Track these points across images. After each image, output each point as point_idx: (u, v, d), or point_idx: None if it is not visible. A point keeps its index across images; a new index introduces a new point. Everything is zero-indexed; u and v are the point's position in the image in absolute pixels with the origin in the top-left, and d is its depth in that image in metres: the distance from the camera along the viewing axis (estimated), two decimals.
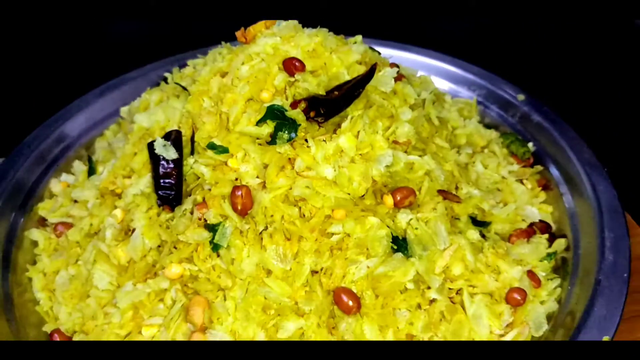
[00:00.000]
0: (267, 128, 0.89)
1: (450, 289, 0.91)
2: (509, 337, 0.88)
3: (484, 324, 0.88)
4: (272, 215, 0.87)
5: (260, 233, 0.87)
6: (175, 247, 0.90)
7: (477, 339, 0.87)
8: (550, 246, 1.02)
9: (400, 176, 0.94)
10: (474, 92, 1.31)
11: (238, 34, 0.99)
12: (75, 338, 0.90)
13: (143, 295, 0.88)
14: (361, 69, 0.98)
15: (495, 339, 0.88)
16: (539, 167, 1.15)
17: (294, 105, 0.90)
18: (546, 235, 1.03)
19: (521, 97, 1.26)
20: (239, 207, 0.87)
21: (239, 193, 0.86)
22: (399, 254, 0.88)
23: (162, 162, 0.92)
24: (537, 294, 0.93)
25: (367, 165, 0.89)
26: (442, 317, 0.88)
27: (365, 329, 0.84)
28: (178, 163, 0.92)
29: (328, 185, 0.87)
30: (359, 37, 1.05)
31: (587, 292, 0.89)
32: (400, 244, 0.89)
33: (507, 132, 1.23)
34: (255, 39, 0.98)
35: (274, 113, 0.88)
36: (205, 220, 0.88)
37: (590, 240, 0.97)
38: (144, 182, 0.95)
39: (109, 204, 0.99)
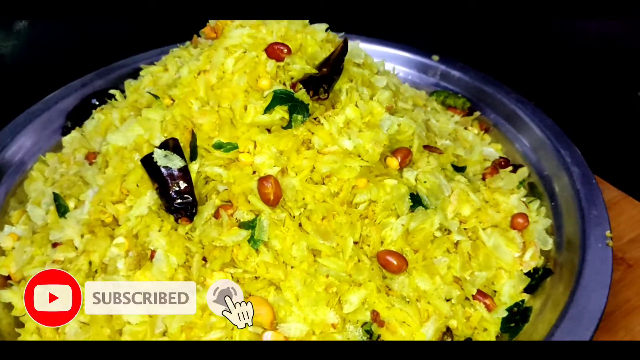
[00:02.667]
0: (277, 114, 0.88)
1: (465, 229, 0.98)
2: (527, 257, 0.97)
3: (504, 251, 0.96)
4: (303, 198, 0.87)
5: (295, 218, 0.87)
6: (204, 259, 0.86)
7: (503, 265, 0.96)
8: None
9: (394, 139, 0.99)
10: (391, 62, 1.40)
11: (207, 30, 0.96)
12: None
13: (190, 315, 0.82)
14: (329, 47, 1.00)
15: (518, 261, 0.97)
16: (478, 113, 1.27)
17: (293, 87, 0.90)
18: (510, 168, 1.15)
19: (436, 57, 1.37)
20: (271, 198, 0.85)
21: (268, 184, 0.85)
22: (419, 207, 0.93)
23: (171, 171, 0.86)
24: (529, 216, 1.04)
25: (375, 132, 0.92)
26: (469, 256, 0.95)
27: (418, 282, 0.88)
28: (186, 170, 0.87)
29: (349, 157, 0.89)
30: (306, 21, 1.06)
31: (573, 203, 1.02)
32: (415, 199, 0.94)
33: (435, 91, 1.34)
34: (224, 32, 0.96)
35: (280, 98, 0.88)
36: (238, 219, 0.85)
37: (551, 162, 1.11)
38: (147, 200, 0.88)
39: (102, 235, 0.90)
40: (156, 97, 0.95)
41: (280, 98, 0.88)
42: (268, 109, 0.88)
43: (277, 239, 0.84)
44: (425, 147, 1.03)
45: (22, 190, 1.14)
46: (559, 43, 1.53)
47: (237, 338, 0.81)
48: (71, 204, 0.97)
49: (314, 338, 0.81)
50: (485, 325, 0.90)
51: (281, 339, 0.80)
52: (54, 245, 0.94)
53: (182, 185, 0.86)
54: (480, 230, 0.97)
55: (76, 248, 0.93)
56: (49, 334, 0.87)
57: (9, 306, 0.93)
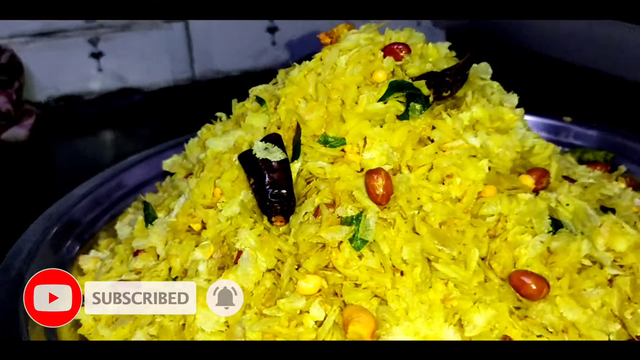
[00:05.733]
0: (392, 105, 0.78)
1: (621, 266, 0.78)
2: None
3: None
4: (418, 198, 0.73)
5: (407, 220, 0.72)
6: (298, 267, 0.72)
7: None
8: None
9: (527, 159, 0.84)
10: None
11: (322, 35, 0.90)
12: None
13: (274, 323, 0.67)
14: (452, 63, 0.91)
15: None
16: (623, 168, 1.09)
17: None
18: None
19: (568, 119, 1.23)
20: (381, 193, 0.72)
21: (377, 177, 0.72)
22: (562, 230, 0.76)
23: (269, 164, 0.76)
24: None
25: (508, 135, 0.79)
26: (628, 297, 0.74)
27: (564, 311, 0.68)
28: (285, 163, 0.77)
29: (476, 158, 0.76)
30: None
31: None
32: (556, 223, 0.77)
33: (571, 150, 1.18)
34: (340, 39, 0.90)
35: (397, 87, 0.78)
36: (340, 216, 0.72)
37: None
38: (240, 200, 0.78)
39: (187, 240, 0.80)
40: (262, 101, 0.88)
41: (397, 87, 0.78)
42: (383, 98, 0.78)
43: (384, 242, 0.70)
44: (565, 177, 0.88)
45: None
46: None
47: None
48: (161, 215, 0.89)
49: None
50: None
51: None
52: (136, 254, 0.85)
53: (279, 177, 0.76)
54: None
55: (158, 257, 0.83)
56: None
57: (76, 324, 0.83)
